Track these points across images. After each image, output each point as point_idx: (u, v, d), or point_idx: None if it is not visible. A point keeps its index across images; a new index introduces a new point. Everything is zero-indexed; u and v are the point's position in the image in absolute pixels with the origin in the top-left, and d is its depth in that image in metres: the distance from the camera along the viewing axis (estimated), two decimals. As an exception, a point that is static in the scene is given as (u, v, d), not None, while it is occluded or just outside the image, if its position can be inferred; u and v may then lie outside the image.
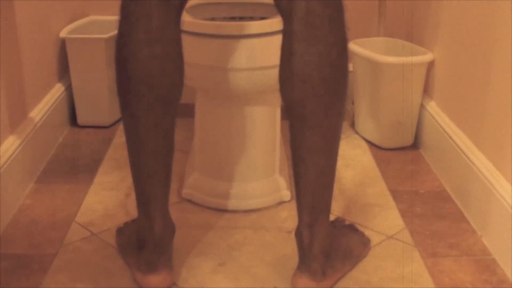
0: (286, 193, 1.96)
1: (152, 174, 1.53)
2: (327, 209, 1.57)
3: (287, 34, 1.42)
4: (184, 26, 1.69)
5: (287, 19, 1.42)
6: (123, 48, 1.45)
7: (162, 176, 1.54)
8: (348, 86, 1.48)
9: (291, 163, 1.53)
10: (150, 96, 1.44)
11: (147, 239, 1.57)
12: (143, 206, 1.57)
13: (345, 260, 1.66)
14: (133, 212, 1.88)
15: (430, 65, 2.34)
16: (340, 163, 2.25)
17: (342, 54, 1.44)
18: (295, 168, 1.52)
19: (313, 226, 1.54)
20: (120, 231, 1.78)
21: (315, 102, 1.43)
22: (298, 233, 1.57)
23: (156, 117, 1.47)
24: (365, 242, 1.76)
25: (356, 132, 2.53)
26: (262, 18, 2.03)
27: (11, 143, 1.92)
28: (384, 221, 1.91)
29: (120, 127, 2.54)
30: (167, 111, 1.48)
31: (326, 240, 1.56)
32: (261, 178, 1.93)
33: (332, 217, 1.90)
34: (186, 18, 1.77)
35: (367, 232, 1.83)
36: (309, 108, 1.43)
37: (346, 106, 1.51)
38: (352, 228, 1.79)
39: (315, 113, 1.44)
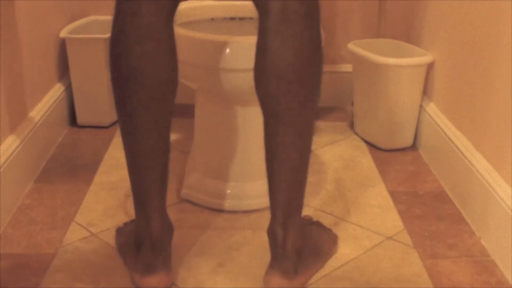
0: (285, 194, 1.97)
1: (148, 172, 1.52)
2: (300, 206, 1.58)
3: (262, 30, 1.43)
4: (182, 30, 1.69)
5: (263, 15, 1.43)
6: (116, 46, 1.45)
7: (158, 175, 1.53)
8: (321, 83, 1.49)
9: (264, 159, 1.53)
10: (143, 94, 1.44)
11: (144, 239, 1.57)
12: (140, 205, 1.57)
13: (316, 257, 1.68)
14: (133, 212, 1.88)
15: (430, 66, 2.34)
16: (339, 164, 2.26)
17: (316, 51, 1.45)
18: (268, 165, 1.52)
19: (286, 223, 1.55)
20: (119, 231, 1.79)
21: (290, 98, 1.44)
22: (271, 231, 1.57)
23: (150, 115, 1.47)
24: (334, 239, 1.79)
25: (355, 133, 2.53)
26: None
27: (11, 142, 1.93)
28: (383, 222, 1.91)
29: (120, 127, 2.54)
30: (160, 109, 1.48)
31: (299, 237, 1.58)
32: (260, 178, 1.93)
33: (330, 217, 1.91)
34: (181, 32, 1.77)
35: (367, 233, 1.84)
36: (284, 104, 1.44)
37: (318, 103, 1.51)
38: (320, 225, 1.82)
39: (290, 110, 1.44)
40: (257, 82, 1.47)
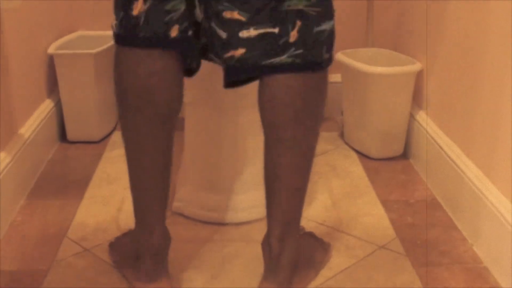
0: (277, 205, 1.96)
1: (151, 187, 1.53)
2: (297, 222, 1.59)
3: None
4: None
5: None
6: (122, 63, 1.44)
7: (160, 189, 1.54)
8: (324, 109, 1.51)
9: (264, 179, 1.54)
10: (149, 111, 1.44)
11: (145, 250, 1.57)
12: (142, 218, 1.57)
13: (310, 268, 1.69)
14: (125, 226, 1.88)
15: (419, 74, 2.35)
16: (330, 173, 2.26)
17: (324, 78, 1.47)
18: (269, 184, 1.53)
19: (283, 239, 1.56)
20: (113, 245, 1.78)
21: (296, 126, 1.45)
22: (267, 244, 1.58)
23: (155, 131, 1.47)
24: (326, 248, 1.79)
25: (345, 143, 2.54)
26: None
27: (1, 160, 1.92)
28: (375, 231, 1.91)
29: (110, 142, 2.54)
30: (166, 125, 1.48)
31: (295, 251, 1.58)
32: (252, 189, 1.93)
33: (323, 227, 1.91)
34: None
35: (359, 243, 1.84)
36: (290, 131, 1.45)
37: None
38: (312, 235, 1.82)
39: (295, 136, 1.46)
40: (262, 109, 1.48)
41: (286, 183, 1.50)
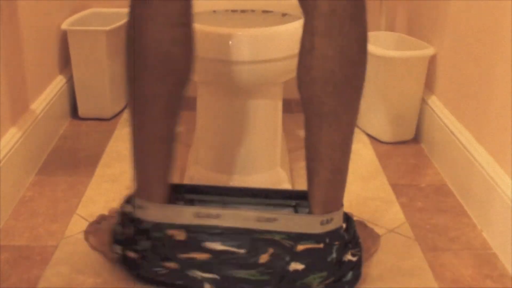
0: (287, 186, 1.96)
1: (160, 159, 1.52)
2: (340, 206, 1.56)
3: (309, 28, 1.40)
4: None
5: (309, 14, 1.40)
6: (143, 31, 1.42)
7: (168, 162, 1.54)
8: (365, 81, 1.47)
9: (305, 158, 1.52)
10: (171, 80, 1.44)
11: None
12: (145, 192, 1.56)
13: None
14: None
15: (432, 59, 2.34)
16: (341, 156, 2.25)
17: (363, 50, 1.43)
18: (309, 164, 1.51)
19: None
20: (89, 231, 1.78)
21: (335, 100, 1.42)
22: None
23: (172, 100, 1.47)
24: (375, 238, 1.76)
25: (357, 126, 2.53)
26: (264, 12, 2.04)
27: (12, 135, 1.93)
28: (385, 215, 1.91)
29: (121, 120, 2.54)
30: (181, 94, 1.48)
31: None
32: (262, 171, 1.93)
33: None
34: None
35: (369, 226, 1.84)
36: (329, 105, 1.42)
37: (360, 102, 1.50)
38: (361, 224, 1.79)
39: (335, 110, 1.43)
40: (300, 83, 1.45)
41: (326, 163, 1.49)
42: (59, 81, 2.44)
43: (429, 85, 2.39)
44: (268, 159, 1.95)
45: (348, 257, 1.55)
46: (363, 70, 1.45)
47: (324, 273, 1.50)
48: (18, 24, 2.00)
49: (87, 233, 1.77)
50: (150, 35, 1.41)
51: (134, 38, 1.44)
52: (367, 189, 2.06)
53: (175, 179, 2.03)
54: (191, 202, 1.65)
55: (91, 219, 1.83)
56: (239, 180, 1.92)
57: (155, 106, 1.47)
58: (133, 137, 1.53)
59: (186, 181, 1.98)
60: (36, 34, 2.20)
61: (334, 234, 1.52)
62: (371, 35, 2.50)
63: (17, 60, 2.00)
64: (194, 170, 1.97)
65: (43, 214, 1.87)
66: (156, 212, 1.53)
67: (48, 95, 2.29)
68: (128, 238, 1.56)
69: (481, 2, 1.92)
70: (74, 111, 2.57)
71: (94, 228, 1.76)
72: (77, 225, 1.82)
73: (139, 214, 1.54)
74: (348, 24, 1.39)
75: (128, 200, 1.59)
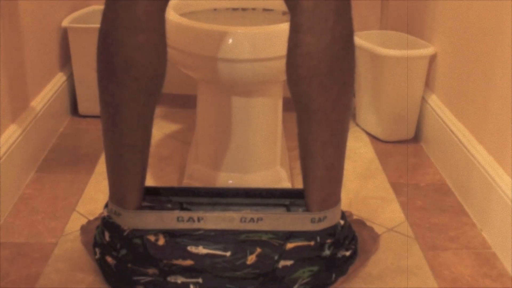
0: (287, 185, 1.96)
1: (130, 166, 1.50)
2: (335, 200, 1.55)
3: (293, 25, 1.40)
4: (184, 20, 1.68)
5: (294, 11, 1.40)
6: (107, 36, 1.41)
7: (139, 169, 1.51)
8: (355, 79, 1.47)
9: (298, 156, 1.52)
10: (134, 86, 1.41)
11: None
12: (118, 198, 1.54)
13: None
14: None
15: (432, 58, 2.34)
16: (341, 155, 2.25)
17: (348, 47, 1.42)
18: (303, 162, 1.51)
19: None
20: (84, 229, 1.76)
21: (323, 95, 1.41)
22: None
23: (138, 108, 1.44)
24: (375, 237, 1.76)
25: (357, 125, 2.53)
26: (265, 10, 2.04)
27: (12, 132, 1.93)
28: (384, 213, 1.91)
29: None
30: (148, 102, 1.45)
31: None
32: (262, 169, 1.93)
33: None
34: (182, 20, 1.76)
35: (368, 225, 1.84)
36: (317, 101, 1.42)
37: (353, 100, 1.49)
38: (361, 223, 1.79)
39: (323, 107, 1.42)
40: (289, 79, 1.45)
41: (318, 161, 1.49)
42: (59, 79, 2.44)
43: (429, 84, 2.39)
44: (268, 157, 1.95)
45: (343, 252, 1.55)
46: (350, 66, 1.44)
47: (315, 267, 1.50)
48: (18, 21, 2.00)
49: (80, 230, 1.77)
50: (115, 39, 1.39)
51: (99, 41, 1.43)
52: (366, 188, 2.06)
53: (175, 176, 2.04)
54: (179, 205, 1.62)
55: (91, 217, 1.83)
56: (238, 179, 1.92)
57: (121, 114, 1.44)
58: (104, 144, 1.52)
59: (186, 179, 1.98)
60: (37, 31, 2.20)
61: (327, 232, 1.51)
62: (372, 34, 2.51)
63: (18, 57, 2.00)
64: (194, 168, 1.97)
65: (43, 211, 1.87)
66: (133, 219, 1.51)
67: (48, 92, 2.29)
68: (107, 243, 1.55)
69: (481, 2, 1.92)
70: (74, 109, 2.57)
71: (85, 227, 1.76)
72: (77, 223, 1.82)
73: (117, 220, 1.53)
74: (332, 19, 1.38)
75: (107, 205, 1.59)
